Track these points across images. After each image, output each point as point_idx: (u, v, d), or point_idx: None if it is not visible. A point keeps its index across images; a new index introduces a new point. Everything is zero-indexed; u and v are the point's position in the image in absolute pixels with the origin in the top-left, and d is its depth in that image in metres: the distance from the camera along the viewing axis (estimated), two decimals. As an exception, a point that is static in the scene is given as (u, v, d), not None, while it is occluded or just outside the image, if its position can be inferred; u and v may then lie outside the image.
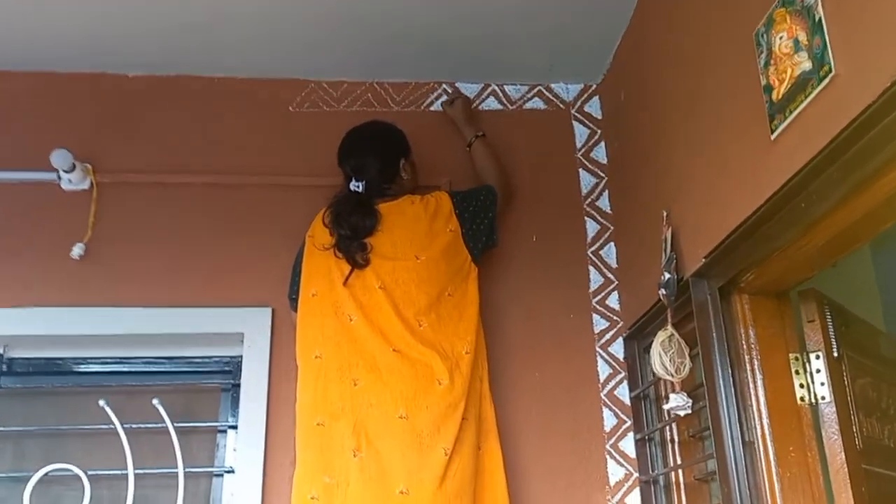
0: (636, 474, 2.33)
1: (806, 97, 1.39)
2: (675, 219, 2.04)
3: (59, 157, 2.36)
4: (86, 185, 2.47)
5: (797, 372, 1.81)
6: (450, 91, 2.69)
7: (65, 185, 2.46)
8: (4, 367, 2.40)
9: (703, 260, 1.85)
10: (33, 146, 2.46)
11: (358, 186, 2.23)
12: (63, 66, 2.58)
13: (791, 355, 1.82)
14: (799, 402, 1.79)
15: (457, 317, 2.13)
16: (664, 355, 1.90)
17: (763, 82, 1.54)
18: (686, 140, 2.00)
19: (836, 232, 1.53)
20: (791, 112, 1.44)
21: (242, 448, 2.26)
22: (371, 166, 2.26)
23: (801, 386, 1.80)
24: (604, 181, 2.64)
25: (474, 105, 2.68)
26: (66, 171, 2.42)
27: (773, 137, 1.51)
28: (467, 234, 2.23)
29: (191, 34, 2.45)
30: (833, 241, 1.57)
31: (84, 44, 2.48)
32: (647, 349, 2.29)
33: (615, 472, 2.33)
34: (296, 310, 2.21)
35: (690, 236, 1.96)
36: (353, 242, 2.14)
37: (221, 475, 2.35)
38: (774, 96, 1.49)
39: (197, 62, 2.60)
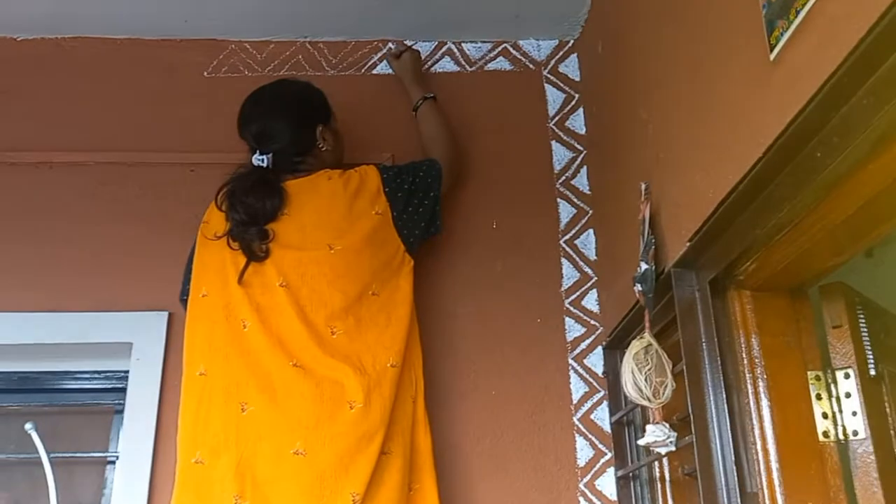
0: (617, 522, 1.84)
1: (819, -16, 0.91)
2: (656, 193, 1.56)
3: (-88, 131, 1.95)
4: (-46, 166, 2.06)
5: (818, 397, 1.33)
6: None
7: (-70, 167, 2.05)
8: None
9: (688, 244, 1.37)
10: None
11: (262, 160, 1.78)
12: (-63, 28, 2.18)
13: (810, 374, 1.35)
14: (821, 438, 1.32)
15: (383, 321, 1.69)
16: (638, 373, 1.42)
17: (758, -22, 1.06)
18: (667, 90, 1.52)
19: (870, 194, 1.05)
20: (798, 12, 0.96)
21: (123, 485, 1.82)
22: (279, 134, 1.82)
23: (825, 416, 1.32)
24: (581, 155, 2.16)
25: (425, 68, 2.23)
26: (-73, 150, 2.01)
27: (772, 57, 1.04)
28: (399, 217, 1.78)
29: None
30: (865, 209, 1.10)
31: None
32: (631, 362, 1.81)
33: (591, 518, 1.85)
34: (188, 314, 1.77)
35: (673, 214, 1.48)
36: (249, 229, 1.70)
37: (103, 518, 1.92)
38: (773, -7, 1.01)
39: (96, 23, 2.18)
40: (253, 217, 1.70)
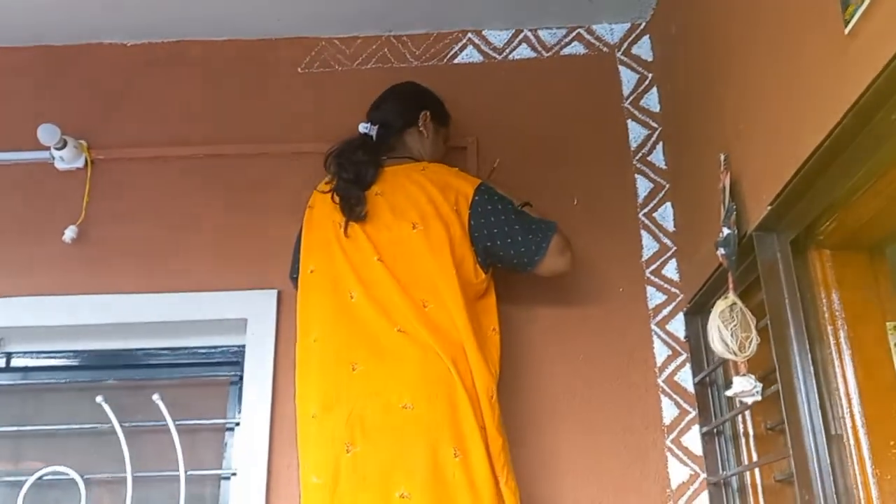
0: (703, 475, 1.96)
1: (892, -40, 1.01)
2: (735, 163, 1.66)
3: (45, 133, 2.17)
4: (80, 163, 2.27)
5: (898, 345, 1.42)
6: (476, 41, 2.37)
7: (58, 165, 2.27)
8: (1, 363, 2.22)
9: (769, 208, 1.47)
10: (27, 124, 2.25)
11: (367, 126, 1.96)
12: (57, 39, 2.39)
13: (889, 324, 1.44)
14: (901, 383, 1.40)
15: (461, 303, 1.76)
16: (724, 329, 1.53)
17: (833, -43, 1.16)
18: (746, 64, 1.62)
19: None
20: (872, -11, 1.06)
21: (245, 448, 2.01)
22: (387, 110, 2.00)
23: (904, 362, 1.41)
24: (657, 132, 2.26)
25: (503, 55, 2.36)
26: (57, 149, 2.22)
27: (847, 30, 1.14)
28: (476, 229, 1.82)
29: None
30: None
31: (79, 14, 2.28)
32: (712, 325, 1.91)
33: (678, 472, 1.97)
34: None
35: (754, 182, 1.58)
36: (352, 188, 1.86)
37: (228, 478, 2.11)
38: (848, -29, 1.11)
39: (197, 26, 2.37)
40: (357, 176, 1.86)
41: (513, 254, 1.84)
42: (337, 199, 1.86)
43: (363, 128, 1.96)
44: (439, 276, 1.77)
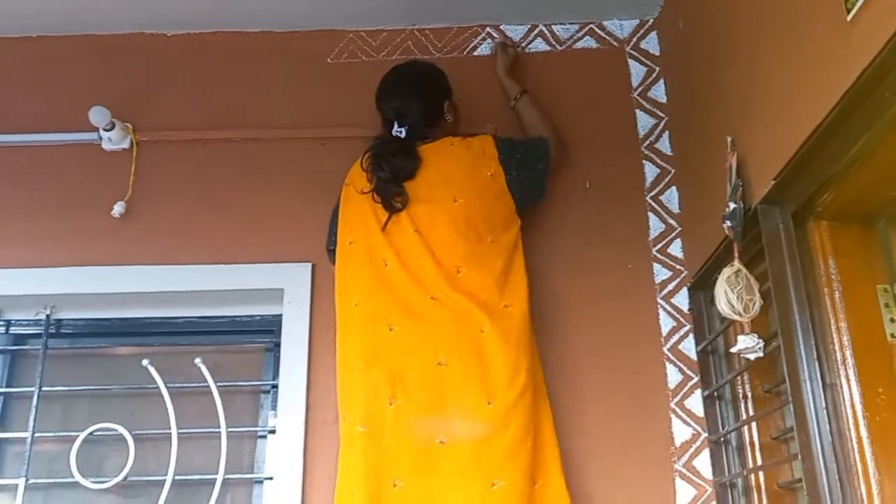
0: (704, 434, 2.13)
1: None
2: (741, 145, 1.84)
3: (96, 115, 2.31)
4: (126, 144, 2.43)
5: (887, 305, 1.60)
6: (495, 35, 2.54)
7: (106, 145, 2.42)
8: (52, 329, 2.36)
9: (773, 182, 1.65)
10: (75, 108, 2.39)
11: (401, 132, 2.11)
12: (103, 28, 2.54)
13: (879, 287, 1.62)
14: (889, 338, 1.59)
15: (499, 267, 1.98)
16: (730, 292, 1.71)
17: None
18: (750, 53, 1.79)
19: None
20: (870, -16, 1.24)
21: (283, 408, 2.16)
22: (415, 109, 2.14)
23: (893, 321, 1.59)
24: (663, 121, 2.44)
25: (520, 48, 2.53)
26: (105, 130, 2.37)
27: (849, 18, 1.31)
28: (512, 181, 2.08)
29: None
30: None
31: (124, 6, 2.44)
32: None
33: (681, 432, 2.14)
34: (334, 262, 2.10)
35: (758, 160, 1.76)
36: (391, 186, 2.02)
37: (265, 436, 2.27)
38: (850, -33, 1.29)
39: (233, 18, 2.52)
40: (395, 175, 2.03)
41: (530, 193, 2.12)
42: (377, 199, 2.02)
43: (396, 132, 2.11)
44: (475, 244, 1.94)
